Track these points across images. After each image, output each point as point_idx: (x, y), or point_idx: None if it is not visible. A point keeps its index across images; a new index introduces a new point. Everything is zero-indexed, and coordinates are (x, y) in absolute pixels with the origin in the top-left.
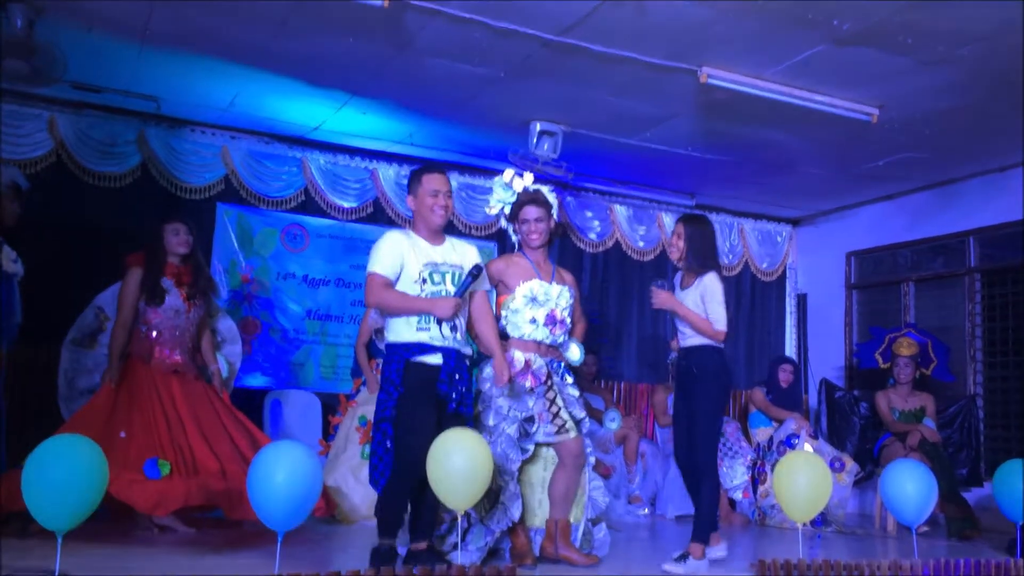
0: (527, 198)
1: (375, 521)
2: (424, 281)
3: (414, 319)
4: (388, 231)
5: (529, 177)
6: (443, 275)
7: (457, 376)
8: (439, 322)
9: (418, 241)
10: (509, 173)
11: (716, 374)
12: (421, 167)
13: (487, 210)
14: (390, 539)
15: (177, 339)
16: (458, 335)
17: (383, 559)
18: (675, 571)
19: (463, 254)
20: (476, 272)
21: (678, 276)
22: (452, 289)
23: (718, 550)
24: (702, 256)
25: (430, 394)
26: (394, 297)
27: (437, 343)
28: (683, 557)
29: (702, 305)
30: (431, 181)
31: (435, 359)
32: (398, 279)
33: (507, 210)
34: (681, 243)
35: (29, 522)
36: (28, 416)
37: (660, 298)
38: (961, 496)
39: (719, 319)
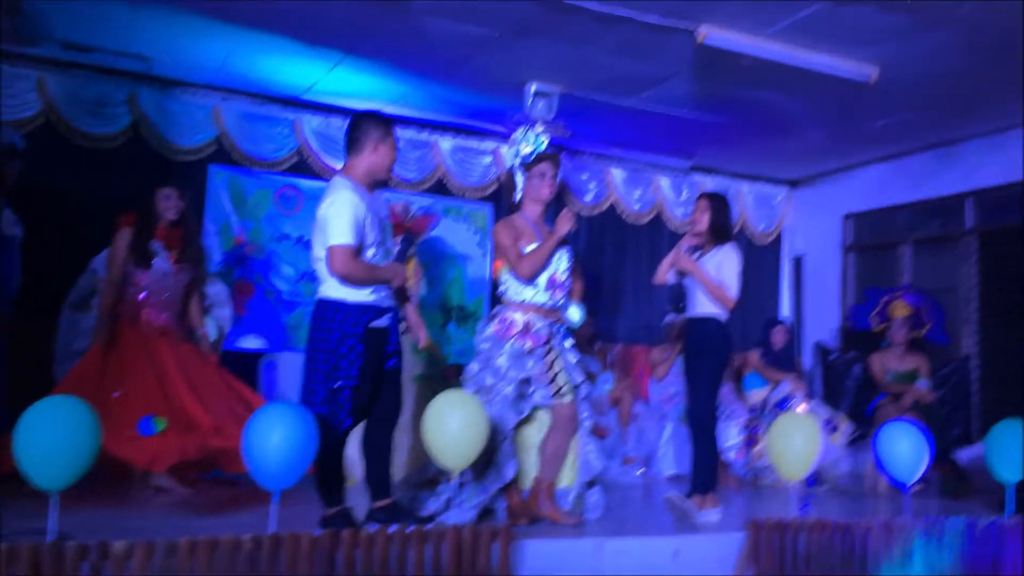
0: (547, 155)
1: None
2: (378, 244)
3: None
4: (339, 189)
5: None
6: (386, 231)
7: (396, 335)
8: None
9: (365, 196)
10: (539, 126)
11: (716, 347)
12: (383, 116)
13: (522, 148)
14: (340, 504)
15: (165, 301)
16: (392, 292)
17: (342, 524)
18: (674, 499)
19: (384, 203)
20: (410, 240)
21: (687, 247)
22: (391, 245)
23: (712, 514)
24: (723, 229)
25: (380, 357)
26: (362, 269)
27: (385, 304)
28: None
29: (716, 274)
30: (396, 135)
31: (385, 322)
32: (361, 245)
33: (530, 158)
34: (705, 217)
35: (22, 483)
36: (24, 381)
37: (683, 263)
38: (952, 458)
39: (730, 286)
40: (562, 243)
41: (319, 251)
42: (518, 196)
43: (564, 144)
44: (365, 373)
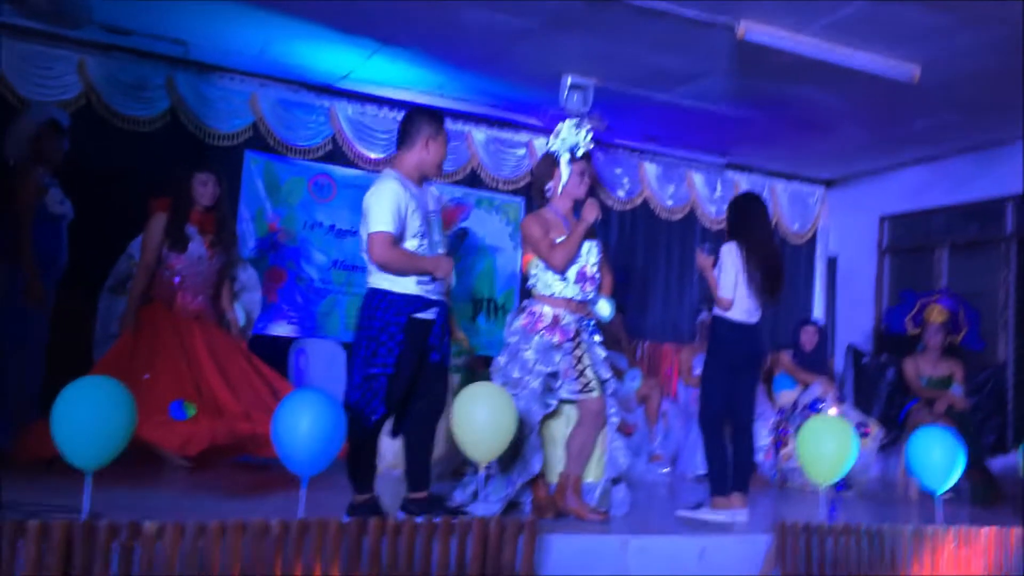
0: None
1: (399, 470)
2: (423, 236)
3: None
4: (385, 180)
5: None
6: (432, 224)
7: (444, 330)
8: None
9: (411, 188)
10: (585, 121)
11: (717, 347)
12: (437, 113)
13: (579, 138)
14: (369, 492)
15: (199, 285)
16: (443, 287)
17: (369, 512)
18: (685, 515)
19: (434, 198)
20: (462, 235)
21: (706, 245)
22: (439, 237)
23: (739, 514)
24: (731, 228)
25: (422, 350)
26: (401, 257)
27: (433, 296)
28: (698, 505)
29: (719, 272)
30: (445, 133)
31: (431, 315)
32: (402, 235)
33: (577, 153)
34: (726, 220)
35: (55, 460)
36: (62, 362)
37: (699, 260)
38: (984, 464)
39: (721, 286)
40: (591, 235)
41: (365, 240)
42: (560, 188)
43: (598, 138)
44: (402, 363)
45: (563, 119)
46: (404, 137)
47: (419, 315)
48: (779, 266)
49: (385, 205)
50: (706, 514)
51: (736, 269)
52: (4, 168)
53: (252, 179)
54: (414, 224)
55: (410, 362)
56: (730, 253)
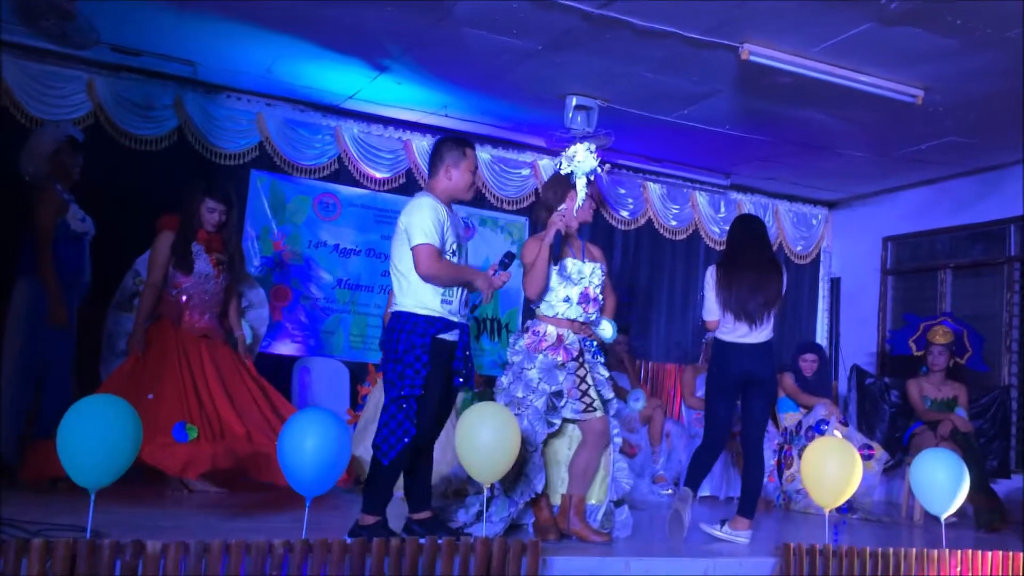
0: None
1: (400, 492)
2: (454, 254)
3: (440, 290)
4: (420, 198)
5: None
6: (461, 247)
7: (468, 352)
8: (464, 294)
9: (444, 211)
10: (591, 142)
11: (711, 365)
12: (464, 138)
13: (593, 161)
14: (381, 514)
15: (207, 303)
16: (467, 311)
17: (379, 535)
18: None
19: (461, 223)
20: (508, 260)
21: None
22: (467, 261)
23: (741, 535)
24: (724, 251)
25: (447, 371)
26: (448, 267)
27: (455, 318)
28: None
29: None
30: (473, 157)
31: (453, 336)
32: (441, 249)
33: (589, 177)
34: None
35: (60, 480)
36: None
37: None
38: (990, 487)
39: (704, 308)
40: (591, 255)
41: (398, 263)
42: (576, 208)
43: (601, 158)
44: (431, 384)
45: (570, 140)
46: (430, 167)
47: (442, 336)
48: (764, 285)
49: (427, 219)
50: (726, 531)
51: (712, 293)
52: (23, 186)
53: (258, 198)
54: (449, 243)
55: (438, 383)
56: (709, 278)
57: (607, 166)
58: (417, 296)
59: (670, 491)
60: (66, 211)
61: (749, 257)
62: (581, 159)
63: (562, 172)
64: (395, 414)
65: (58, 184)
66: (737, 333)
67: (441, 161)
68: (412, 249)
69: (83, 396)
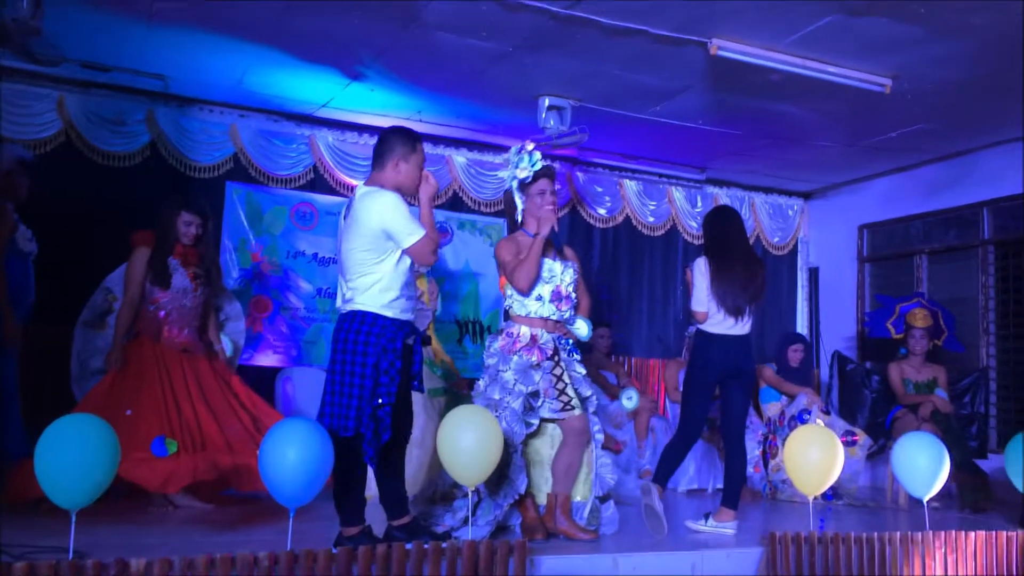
0: (543, 171)
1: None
2: None
3: (407, 289)
4: (381, 195)
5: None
6: None
7: (420, 356)
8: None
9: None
10: (531, 144)
11: (692, 356)
12: (412, 132)
13: (516, 172)
14: (362, 523)
15: (185, 318)
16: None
17: (365, 543)
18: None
19: None
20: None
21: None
22: None
23: (727, 526)
24: (705, 243)
25: (411, 377)
26: (431, 233)
27: (412, 318)
28: (706, 516)
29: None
30: (422, 152)
31: (413, 341)
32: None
33: (528, 179)
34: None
35: (42, 501)
36: (42, 399)
37: (687, 276)
38: (976, 466)
39: (693, 299)
40: (560, 254)
41: (361, 264)
42: (519, 217)
43: (577, 157)
44: (401, 390)
45: (546, 140)
46: (376, 158)
47: (407, 340)
48: (755, 278)
49: (405, 214)
50: (711, 525)
51: (705, 283)
52: None
53: (234, 210)
54: None
55: (406, 392)
56: (699, 268)
57: (538, 163)
58: (385, 296)
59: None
60: (15, 231)
61: (738, 249)
62: (513, 163)
63: (506, 184)
64: (371, 421)
65: (8, 204)
66: (724, 325)
67: (391, 152)
68: (408, 250)
69: (44, 417)
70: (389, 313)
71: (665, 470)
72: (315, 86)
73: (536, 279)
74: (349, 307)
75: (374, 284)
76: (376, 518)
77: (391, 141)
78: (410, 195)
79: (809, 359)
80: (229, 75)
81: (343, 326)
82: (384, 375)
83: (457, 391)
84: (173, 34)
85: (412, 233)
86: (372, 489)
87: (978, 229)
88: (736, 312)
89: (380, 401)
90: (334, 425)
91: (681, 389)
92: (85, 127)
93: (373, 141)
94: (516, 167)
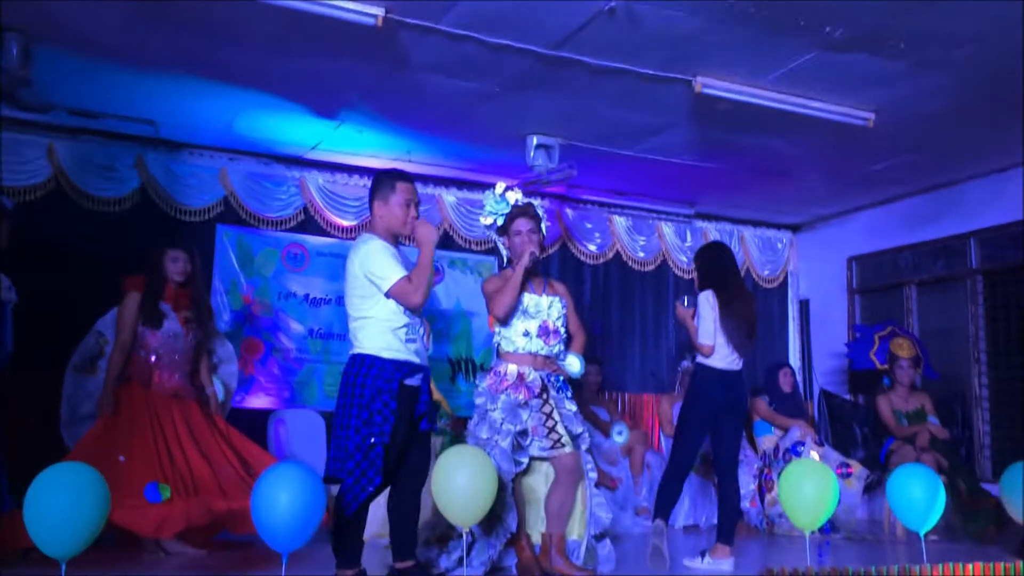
0: (518, 211)
1: (383, 540)
2: None
3: (403, 331)
4: (366, 241)
5: (518, 192)
6: None
7: (427, 396)
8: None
9: (392, 248)
10: (501, 186)
11: (692, 390)
12: (392, 172)
13: (482, 219)
14: (357, 566)
15: (176, 363)
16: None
17: None
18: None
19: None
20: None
21: (684, 296)
22: None
23: (723, 563)
24: (702, 277)
25: (411, 418)
26: (421, 284)
27: (417, 360)
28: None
29: (697, 320)
30: (405, 189)
31: (417, 380)
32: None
33: (499, 222)
34: (695, 269)
35: (31, 550)
36: (31, 445)
37: (678, 311)
38: (983, 489)
39: (700, 333)
40: (552, 288)
41: (355, 308)
42: (505, 259)
43: (566, 194)
44: (397, 432)
45: (535, 178)
46: (369, 202)
47: (408, 382)
48: (753, 312)
49: (384, 259)
50: (708, 563)
51: (713, 316)
52: None
53: (225, 252)
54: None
55: (403, 430)
56: (707, 301)
57: (507, 206)
58: (382, 339)
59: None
60: None
61: (736, 283)
62: (489, 208)
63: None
64: (360, 462)
65: None
66: (727, 360)
67: (374, 195)
68: (388, 294)
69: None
70: (387, 355)
71: (665, 504)
72: (304, 128)
73: (514, 309)
74: (352, 351)
75: (371, 327)
76: (369, 560)
77: (374, 184)
78: (402, 235)
79: (800, 387)
80: (219, 119)
81: (345, 370)
82: (377, 415)
83: (454, 431)
84: (162, 80)
85: (387, 277)
86: (371, 530)
87: (966, 259)
88: (739, 346)
89: (372, 441)
90: (331, 468)
91: (676, 421)
92: (75, 173)
93: (364, 182)
94: (485, 213)
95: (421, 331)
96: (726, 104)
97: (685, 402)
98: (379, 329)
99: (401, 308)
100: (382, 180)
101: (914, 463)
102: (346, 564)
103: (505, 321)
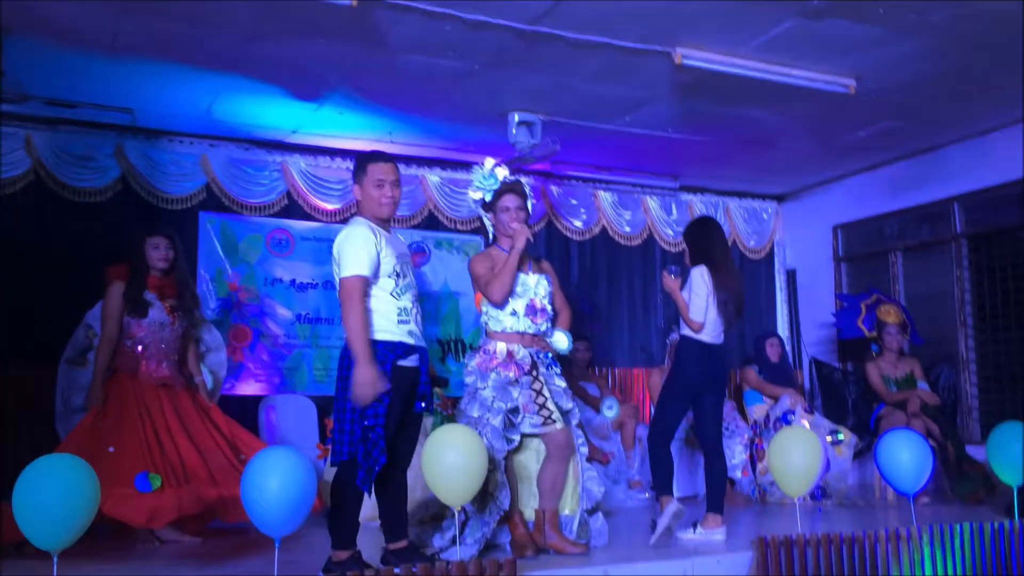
0: (506, 187)
1: (376, 523)
2: (399, 276)
3: (396, 310)
4: (352, 225)
5: (505, 169)
6: (408, 266)
7: (426, 377)
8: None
9: (379, 231)
10: (491, 161)
11: (678, 363)
12: (366, 155)
13: (471, 193)
14: (353, 547)
15: (163, 352)
16: (422, 331)
17: (354, 569)
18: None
19: (402, 242)
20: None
21: (672, 268)
22: (414, 281)
23: (715, 533)
24: (693, 253)
25: (409, 398)
26: (356, 308)
27: (412, 340)
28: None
29: (689, 295)
30: (376, 171)
31: (413, 361)
32: (376, 276)
33: (487, 198)
34: (684, 245)
35: (24, 544)
36: (21, 437)
37: (665, 282)
38: (969, 456)
39: (692, 308)
40: (538, 266)
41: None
42: (491, 235)
43: (551, 171)
44: (392, 411)
45: (519, 156)
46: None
47: (402, 362)
48: (741, 288)
49: (357, 248)
50: (700, 534)
51: (707, 292)
52: None
53: (209, 240)
54: (388, 265)
55: (398, 410)
56: (701, 278)
57: (496, 181)
58: (375, 320)
59: (647, 495)
60: None
61: (727, 259)
62: (477, 184)
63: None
64: (364, 445)
65: None
66: (713, 334)
67: (354, 180)
68: (340, 280)
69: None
70: (379, 336)
71: (664, 479)
72: (284, 112)
73: (510, 292)
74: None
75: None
76: (363, 542)
77: (353, 169)
78: (381, 217)
79: (786, 358)
80: (197, 105)
81: (341, 354)
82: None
83: (443, 411)
84: (138, 66)
85: (345, 268)
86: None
87: (950, 224)
88: (727, 320)
89: (367, 423)
90: (335, 452)
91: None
92: (54, 164)
93: (347, 165)
94: (472, 188)
95: (415, 312)
96: (707, 75)
97: (669, 374)
98: (371, 314)
99: (391, 283)
100: (357, 163)
101: (902, 427)
102: (341, 545)
103: (502, 304)
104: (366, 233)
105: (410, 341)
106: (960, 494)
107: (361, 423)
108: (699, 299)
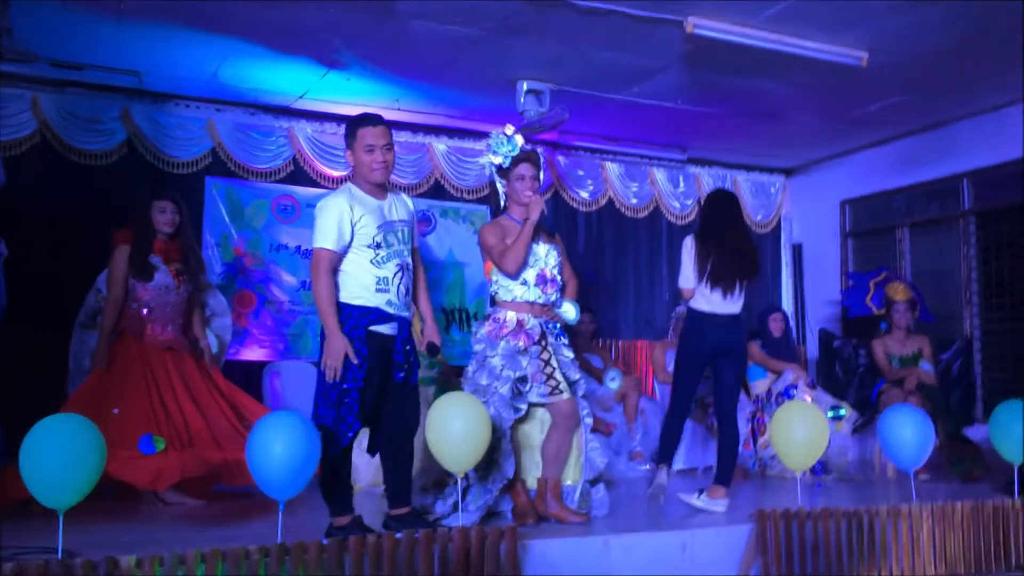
0: (523, 156)
1: (380, 488)
2: (379, 246)
3: (375, 277)
4: (334, 194)
5: (520, 138)
6: (396, 235)
7: (408, 347)
8: (402, 281)
9: (365, 199)
10: (510, 128)
11: (683, 334)
12: (356, 119)
13: (489, 157)
14: (351, 512)
15: (168, 315)
16: (406, 300)
17: (355, 533)
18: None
19: (404, 207)
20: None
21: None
22: (405, 248)
23: (718, 503)
24: (700, 223)
25: (386, 365)
26: (323, 284)
27: (391, 310)
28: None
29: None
30: (365, 135)
31: (390, 329)
32: (347, 249)
33: (505, 164)
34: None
35: (31, 502)
36: (28, 400)
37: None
38: (964, 435)
39: (681, 277)
40: (549, 237)
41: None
42: (503, 202)
43: (558, 141)
44: (370, 378)
45: (528, 125)
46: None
47: (377, 328)
48: (742, 256)
49: (327, 219)
50: (703, 500)
51: (691, 260)
52: None
53: (215, 205)
54: (365, 235)
55: (376, 376)
56: (686, 247)
57: (516, 148)
58: (351, 287)
59: (648, 467)
60: None
61: (727, 227)
62: (495, 149)
63: (485, 170)
64: (339, 410)
65: None
66: (712, 303)
67: (345, 146)
68: (311, 250)
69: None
70: (356, 302)
71: (669, 448)
72: (291, 77)
73: (524, 263)
74: None
75: (342, 279)
76: (366, 509)
77: (344, 134)
78: (373, 182)
79: (790, 333)
80: (203, 69)
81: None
82: (347, 361)
83: (446, 379)
84: (144, 29)
85: (314, 239)
86: (360, 480)
87: (959, 200)
88: (723, 287)
89: (345, 386)
90: (315, 415)
91: (671, 368)
92: (60, 126)
93: None
94: (491, 152)
95: (399, 281)
96: (718, 45)
97: (679, 346)
98: (348, 280)
99: (371, 254)
100: (348, 128)
101: (904, 403)
102: (339, 511)
103: (516, 274)
104: (340, 204)
105: (386, 309)
106: (957, 473)
107: (335, 388)
108: (685, 267)
